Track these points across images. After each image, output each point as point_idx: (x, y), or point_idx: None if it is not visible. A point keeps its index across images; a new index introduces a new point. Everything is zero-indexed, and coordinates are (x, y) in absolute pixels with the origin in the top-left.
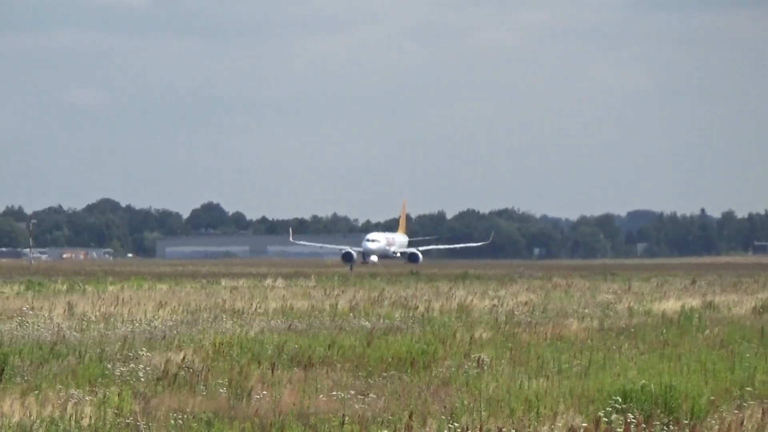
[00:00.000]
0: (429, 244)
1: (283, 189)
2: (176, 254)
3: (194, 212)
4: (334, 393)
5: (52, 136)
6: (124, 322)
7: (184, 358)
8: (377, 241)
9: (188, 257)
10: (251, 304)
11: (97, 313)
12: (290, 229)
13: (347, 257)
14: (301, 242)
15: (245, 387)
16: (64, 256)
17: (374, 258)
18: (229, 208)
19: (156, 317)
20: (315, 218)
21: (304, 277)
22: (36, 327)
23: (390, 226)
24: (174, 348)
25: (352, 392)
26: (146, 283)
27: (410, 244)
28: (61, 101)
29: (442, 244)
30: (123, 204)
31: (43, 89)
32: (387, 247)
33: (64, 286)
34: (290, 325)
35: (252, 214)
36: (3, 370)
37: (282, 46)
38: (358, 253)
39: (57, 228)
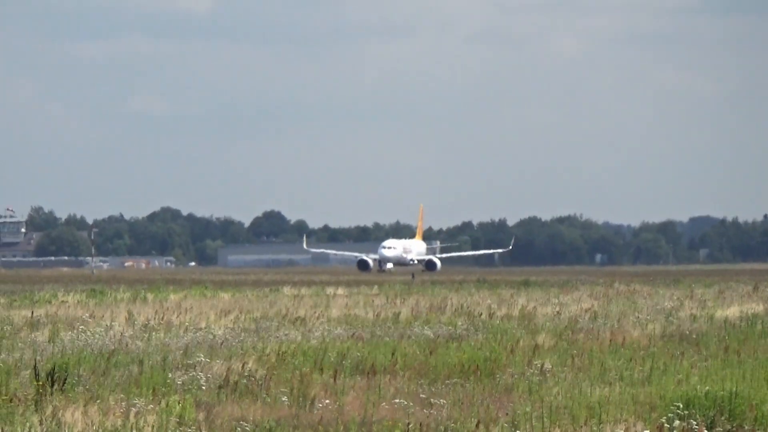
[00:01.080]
0: (450, 251)
1: (346, 197)
2: (238, 263)
3: (256, 220)
4: (397, 401)
5: (114, 144)
6: (185, 331)
7: (244, 366)
8: (393, 248)
9: (250, 265)
10: (313, 312)
11: (159, 322)
12: (304, 236)
13: (362, 265)
14: (314, 249)
15: (308, 395)
16: (126, 264)
17: (390, 265)
18: (291, 216)
19: (218, 325)
20: (377, 226)
21: (366, 285)
22: (98, 336)
23: (453, 234)
24: (236, 356)
25: (416, 400)
26: (208, 292)
27: (428, 251)
28: (124, 110)
29: (461, 251)
30: (185, 212)
31: (106, 97)
32: (404, 255)
33: (126, 295)
34: (353, 333)
35: (314, 222)
36: (65, 379)
37: (345, 52)
38: (374, 260)
39: (119, 237)
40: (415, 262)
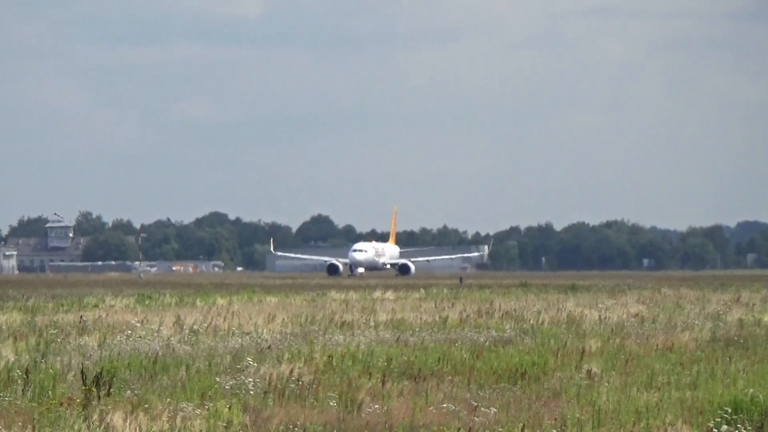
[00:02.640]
0: (419, 255)
1: (393, 201)
2: (286, 267)
3: (304, 225)
4: (445, 405)
5: (162, 149)
6: (233, 335)
7: (292, 371)
8: (364, 251)
9: (298, 270)
10: (361, 317)
11: (206, 326)
12: (271, 240)
13: (332, 269)
14: (283, 253)
15: (355, 400)
16: (174, 269)
17: (361, 270)
18: (339, 221)
19: (265, 330)
20: (424, 230)
21: (413, 289)
22: (145, 340)
23: (500, 238)
24: (284, 360)
25: (463, 404)
26: (256, 296)
27: (402, 255)
28: (172, 115)
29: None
30: (232, 217)
31: (155, 103)
32: (376, 258)
33: (174, 300)
34: (399, 338)
35: (362, 227)
36: (112, 383)
37: (394, 58)
38: (345, 265)
39: (166, 241)
40: (388, 266)
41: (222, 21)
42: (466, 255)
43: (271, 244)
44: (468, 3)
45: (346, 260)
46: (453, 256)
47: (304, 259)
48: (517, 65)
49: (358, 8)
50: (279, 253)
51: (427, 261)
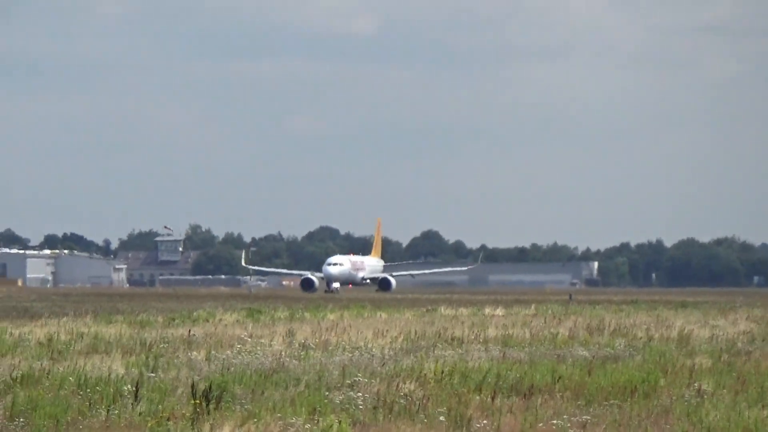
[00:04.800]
0: (404, 269)
1: (503, 217)
2: (396, 283)
3: (414, 240)
4: (555, 422)
5: (272, 163)
6: (343, 350)
7: (398, 386)
8: (340, 264)
9: (408, 286)
10: (471, 332)
11: (317, 341)
12: (243, 252)
13: (307, 284)
14: (256, 267)
15: (465, 415)
16: (284, 283)
17: (337, 285)
18: (449, 237)
19: (375, 345)
20: (534, 246)
21: (523, 305)
22: (255, 355)
23: (610, 255)
24: (393, 376)
25: (573, 421)
26: (366, 311)
27: (385, 269)
28: (282, 129)
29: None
30: (342, 232)
31: (265, 117)
32: (353, 272)
33: (284, 314)
34: (507, 354)
35: (472, 243)
36: (222, 397)
37: (504, 74)
38: (320, 279)
39: (276, 256)
40: (368, 280)
41: (334, 37)
42: (458, 268)
43: (242, 258)
44: (578, 20)
45: (321, 274)
46: (440, 270)
47: (279, 273)
48: (625, 82)
49: (469, 25)
50: (252, 267)
51: (411, 276)
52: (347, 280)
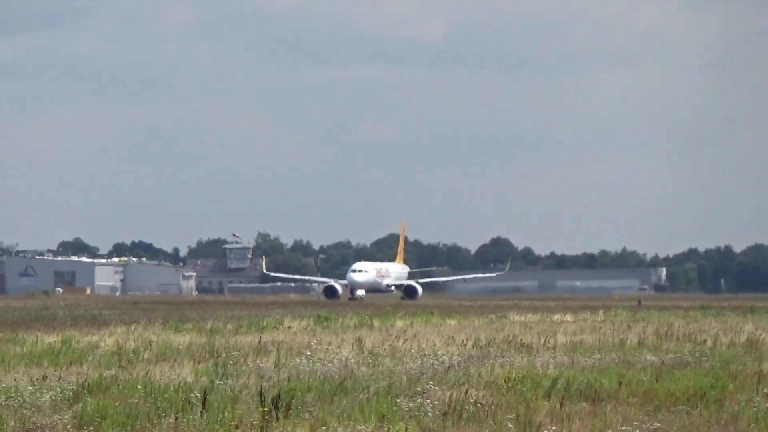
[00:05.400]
0: (427, 276)
1: (572, 223)
2: (465, 290)
3: (482, 247)
4: (623, 428)
5: (341, 170)
6: (412, 357)
7: (467, 392)
8: (365, 272)
9: (477, 292)
10: (539, 339)
11: (385, 348)
12: (263, 258)
13: (330, 292)
14: (276, 274)
15: (533, 422)
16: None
17: (361, 292)
18: (518, 243)
19: (444, 352)
20: (603, 252)
21: (592, 311)
22: (324, 362)
23: (678, 261)
24: (462, 383)
25: (642, 427)
26: (434, 318)
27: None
28: (351, 136)
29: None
30: (411, 239)
31: (334, 124)
32: (378, 279)
33: (353, 321)
34: (575, 360)
35: (540, 249)
36: (290, 405)
37: (575, 80)
38: (344, 287)
39: (345, 263)
40: (393, 288)
41: (402, 43)
42: (482, 275)
43: (264, 264)
44: (650, 26)
45: (345, 282)
46: (468, 276)
47: (300, 279)
48: (697, 87)
49: (539, 30)
50: (273, 274)
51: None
52: (372, 288)
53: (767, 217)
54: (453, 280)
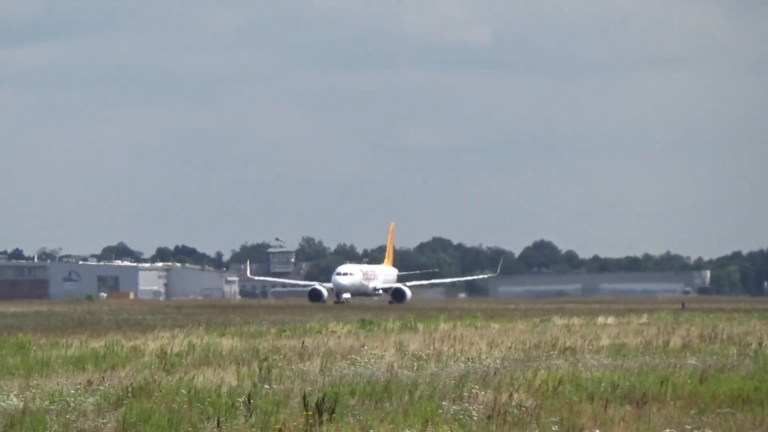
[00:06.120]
0: (417, 279)
1: (616, 226)
2: (508, 293)
3: (526, 250)
4: (667, 430)
5: (384, 175)
6: (456, 361)
7: (511, 395)
8: (350, 274)
9: (520, 296)
10: (583, 342)
11: (429, 352)
12: (248, 262)
13: (315, 295)
14: (258, 277)
15: (577, 425)
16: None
17: (347, 296)
18: (562, 246)
19: (488, 355)
20: (647, 256)
21: (635, 314)
22: (367, 366)
23: (722, 263)
24: (506, 386)
25: (686, 430)
26: (478, 321)
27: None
28: (395, 140)
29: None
30: (454, 242)
31: (378, 129)
32: (364, 282)
33: (396, 325)
34: (622, 363)
35: (584, 253)
36: (334, 408)
37: (618, 83)
38: (329, 290)
39: None
40: (380, 291)
41: (449, 47)
42: (474, 277)
43: (247, 269)
44: (694, 29)
45: (330, 285)
46: (456, 280)
47: (284, 283)
48: (742, 89)
49: (583, 34)
50: (256, 278)
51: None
52: (358, 291)
53: None
54: (440, 283)
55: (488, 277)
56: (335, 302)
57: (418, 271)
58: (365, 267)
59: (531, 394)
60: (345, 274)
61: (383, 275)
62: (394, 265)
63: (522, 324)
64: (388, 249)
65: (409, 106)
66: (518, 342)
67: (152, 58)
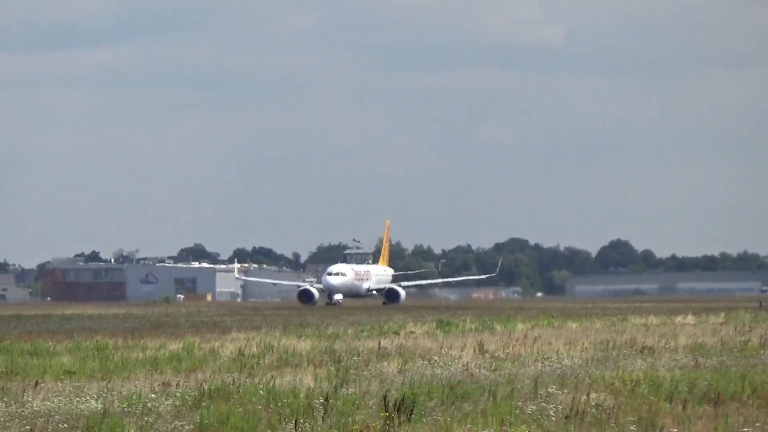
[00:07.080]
0: (413, 279)
1: (693, 225)
2: (586, 293)
3: (602, 250)
4: (746, 429)
5: (461, 174)
6: (534, 361)
7: (588, 395)
8: (342, 274)
9: (597, 296)
10: (660, 341)
11: (507, 352)
12: (235, 260)
13: (306, 296)
14: (249, 278)
15: (655, 424)
16: (474, 295)
17: (339, 297)
18: (638, 246)
19: (566, 355)
20: (723, 255)
21: (713, 313)
22: (446, 366)
23: None
24: (584, 386)
25: (766, 429)
26: (556, 321)
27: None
28: (471, 140)
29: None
30: (531, 242)
31: (454, 128)
32: (357, 283)
33: (474, 325)
34: (697, 362)
35: (661, 252)
36: (413, 409)
37: (688, 82)
38: (320, 290)
39: (466, 267)
40: (373, 291)
41: (521, 47)
42: (471, 277)
43: (235, 270)
44: (761, 28)
45: (321, 285)
46: (455, 279)
47: (275, 283)
48: None
49: (655, 34)
50: (244, 278)
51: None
52: (350, 292)
53: None
54: (435, 283)
55: (475, 279)
56: (327, 303)
57: (411, 272)
58: (357, 267)
59: (609, 393)
60: (336, 274)
61: (377, 275)
62: (390, 264)
63: (599, 323)
64: (383, 248)
65: (482, 105)
66: (596, 341)
67: (227, 60)
